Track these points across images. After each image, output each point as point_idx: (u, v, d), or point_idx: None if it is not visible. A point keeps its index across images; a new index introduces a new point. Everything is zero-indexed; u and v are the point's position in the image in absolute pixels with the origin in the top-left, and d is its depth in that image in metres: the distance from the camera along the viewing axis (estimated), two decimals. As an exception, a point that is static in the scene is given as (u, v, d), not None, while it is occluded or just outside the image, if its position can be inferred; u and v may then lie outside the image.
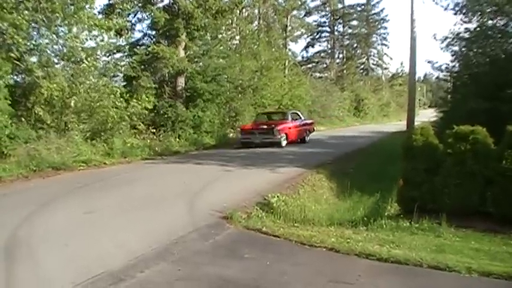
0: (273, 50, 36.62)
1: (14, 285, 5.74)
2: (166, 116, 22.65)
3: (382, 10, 63.21)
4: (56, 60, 16.76)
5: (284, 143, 21.90)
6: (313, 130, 27.25)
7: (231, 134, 26.25)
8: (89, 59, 17.00)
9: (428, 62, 19.93)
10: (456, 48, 18.69)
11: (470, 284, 6.01)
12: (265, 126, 22.28)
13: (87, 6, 15.79)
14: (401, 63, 76.06)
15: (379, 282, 5.95)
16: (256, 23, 38.02)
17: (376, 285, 5.83)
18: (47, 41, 16.02)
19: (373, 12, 62.88)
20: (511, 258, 6.91)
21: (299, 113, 26.59)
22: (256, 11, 38.62)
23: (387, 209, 10.20)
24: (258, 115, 25.98)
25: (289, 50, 46.49)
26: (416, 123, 20.72)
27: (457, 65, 18.93)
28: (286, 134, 22.24)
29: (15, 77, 16.29)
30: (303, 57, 58.89)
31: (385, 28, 64.43)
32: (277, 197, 10.50)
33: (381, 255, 6.69)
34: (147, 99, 20.25)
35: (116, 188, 11.93)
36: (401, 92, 62.22)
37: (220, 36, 29.53)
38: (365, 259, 6.69)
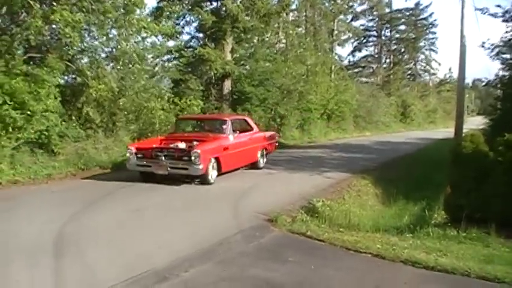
0: (319, 54, 36.47)
1: (61, 281, 5.86)
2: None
3: (430, 15, 61.99)
4: (106, 62, 17.05)
5: (213, 176, 12.77)
6: (274, 148, 17.47)
7: (276, 138, 26.15)
8: (138, 61, 17.25)
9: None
10: (508, 56, 18.31)
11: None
12: (178, 145, 13.03)
13: (137, 10, 16.01)
14: (450, 69, 74.50)
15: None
16: (303, 26, 37.92)
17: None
18: (97, 42, 16.33)
19: (421, 16, 61.85)
20: (563, 272, 6.73)
21: (249, 121, 16.68)
22: (303, 14, 38.54)
23: (434, 216, 10.07)
24: (177, 121, 16.40)
25: (336, 54, 46.31)
26: (464, 131, 20.29)
27: (507, 73, 18.55)
28: (217, 159, 12.93)
29: (65, 77, 16.69)
30: (349, 62, 58.41)
31: (434, 33, 63.29)
32: (322, 201, 10.46)
33: (428, 264, 6.59)
34: (194, 101, 20.43)
35: (162, 188, 12.09)
36: (448, 98, 61.01)
37: (266, 39, 29.60)
38: (411, 267, 6.60)
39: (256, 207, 9.79)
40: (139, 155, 12.75)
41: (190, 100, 20.43)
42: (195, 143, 13.07)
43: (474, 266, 6.41)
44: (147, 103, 17.95)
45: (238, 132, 14.74)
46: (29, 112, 12.57)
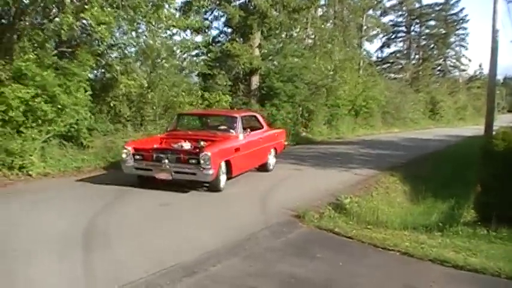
0: (348, 49, 36.28)
1: (91, 272, 5.93)
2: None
3: (461, 10, 61.22)
4: (135, 57, 17.17)
5: (223, 182, 11.14)
6: (283, 147, 15.56)
7: (304, 133, 26.11)
8: (166, 56, 17.34)
9: None
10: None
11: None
12: (183, 146, 11.55)
13: (166, 5, 16.06)
14: (480, 65, 73.55)
15: (454, 290, 5.83)
16: (331, 22, 37.71)
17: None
18: (126, 37, 16.44)
19: (451, 12, 61.13)
20: None
21: (259, 117, 14.79)
22: (332, 9, 38.32)
23: (463, 215, 9.94)
24: (179, 117, 14.01)
25: (364, 49, 46.03)
26: (494, 128, 20.00)
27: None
28: (227, 162, 11.25)
29: (95, 72, 16.87)
30: (378, 58, 58.14)
31: (464, 29, 62.57)
32: (350, 198, 10.43)
33: (457, 263, 6.54)
34: (223, 97, 20.49)
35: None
36: (478, 95, 60.22)
37: (295, 34, 29.52)
38: (439, 265, 6.56)
39: (283, 203, 9.80)
40: (137, 157, 10.96)
41: (218, 95, 20.49)
42: (202, 143, 11.33)
43: (504, 266, 6.33)
44: (176, 98, 18.03)
45: (248, 130, 12.93)
46: (59, 106, 12.71)
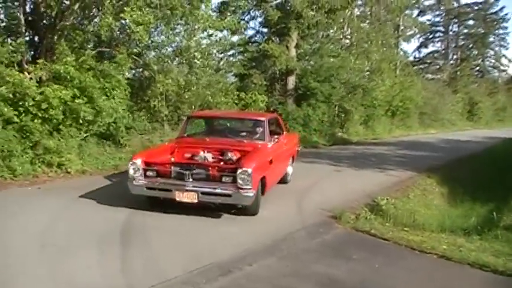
0: (385, 49, 35.94)
1: (128, 268, 6.04)
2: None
3: (501, 9, 59.73)
4: (172, 57, 17.34)
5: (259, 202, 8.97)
6: (297, 154, 13.40)
7: (339, 134, 25.98)
8: (203, 56, 17.46)
9: None
10: None
11: None
12: (207, 157, 9.37)
13: (203, 6, 16.19)
14: (521, 65, 72.11)
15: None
16: (368, 21, 37.41)
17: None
18: (164, 37, 16.62)
19: (491, 11, 59.94)
20: None
21: (280, 121, 12.61)
22: (368, 9, 38.01)
23: (502, 219, 9.77)
24: (189, 120, 11.61)
25: (401, 49, 45.46)
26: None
27: None
28: (263, 178, 8.96)
29: (133, 71, 17.11)
30: (415, 58, 57.36)
31: (505, 28, 61.13)
32: (387, 199, 10.34)
33: (496, 267, 6.44)
34: (259, 96, 20.54)
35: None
36: (518, 95, 59.06)
37: (332, 34, 29.39)
38: (478, 270, 6.46)
39: (319, 203, 9.78)
40: (150, 173, 8.61)
41: (254, 95, 20.54)
42: (230, 154, 9.37)
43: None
44: (213, 98, 18.15)
45: (275, 136, 10.83)
46: (98, 107, 12.91)
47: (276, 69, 23.83)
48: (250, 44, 24.70)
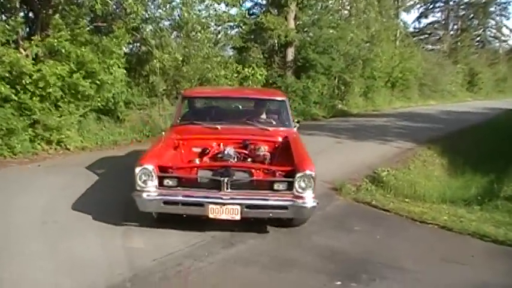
0: (384, 20, 35.65)
1: (130, 246, 6.07)
2: (275, 86, 22.65)
3: (503, -22, 59.48)
4: (169, 31, 17.18)
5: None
6: None
7: (339, 106, 25.89)
8: (201, 29, 17.30)
9: None
10: None
11: None
12: (230, 155, 7.05)
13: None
14: (522, 36, 71.70)
15: (494, 264, 5.76)
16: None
17: (490, 268, 5.64)
18: (161, 11, 16.45)
19: (492, -20, 59.38)
20: None
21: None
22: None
23: (503, 189, 9.77)
24: (185, 100, 9.01)
25: (401, 20, 45.09)
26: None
27: None
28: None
29: (130, 46, 16.95)
30: (415, 28, 56.82)
31: (506, -3, 60.73)
32: (387, 171, 10.35)
33: (497, 237, 6.48)
34: (258, 70, 20.42)
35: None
36: (519, 66, 58.82)
37: (331, 5, 29.10)
38: (479, 240, 6.51)
39: (320, 175, 9.69)
40: (168, 182, 6.32)
41: (253, 68, 20.42)
42: (263, 149, 7.28)
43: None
44: (211, 72, 18.02)
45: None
46: (97, 82, 12.78)
47: (275, 41, 23.62)
48: (248, 16, 24.45)
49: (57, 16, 13.18)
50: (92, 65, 12.49)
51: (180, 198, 6.23)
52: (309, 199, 6.20)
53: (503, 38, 62.82)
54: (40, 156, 11.52)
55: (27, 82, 11.54)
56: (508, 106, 30.09)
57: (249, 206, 6.12)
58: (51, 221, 6.76)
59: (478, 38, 61.34)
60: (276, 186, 6.29)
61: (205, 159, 7.11)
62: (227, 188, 6.17)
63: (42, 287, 4.94)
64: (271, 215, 6.32)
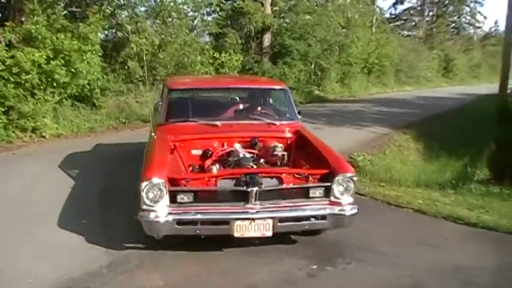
0: (360, 6, 35.71)
1: (109, 232, 6.04)
2: (252, 72, 22.63)
3: (477, -36, 59.88)
4: (145, 16, 17.05)
5: None
6: None
7: (316, 92, 25.93)
8: (177, 15, 17.19)
9: None
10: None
11: None
12: (243, 154, 6.04)
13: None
14: (496, 22, 72.27)
15: (467, 247, 5.86)
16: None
17: (464, 250, 5.74)
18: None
19: (467, -34, 59.74)
20: None
21: None
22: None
23: (476, 173, 9.94)
24: (169, 91, 7.18)
25: (377, 6, 45.24)
26: (509, 87, 19.81)
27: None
28: None
29: (106, 32, 16.80)
30: (391, 14, 57.06)
31: (480, -16, 61.24)
32: (363, 156, 10.44)
33: (470, 220, 6.58)
34: (234, 56, 20.36)
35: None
36: (493, 53, 59.19)
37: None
38: (453, 223, 6.61)
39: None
40: (183, 197, 5.13)
41: (230, 54, 20.36)
42: (279, 148, 6.23)
43: (517, 226, 6.36)
44: (187, 57, 17.93)
45: None
46: (73, 69, 12.65)
47: (252, 27, 23.60)
48: (225, 2, 24.32)
49: (31, 1, 12.97)
50: (69, 52, 12.35)
51: (199, 216, 5.10)
52: (348, 205, 5.38)
53: (477, 24, 63.50)
54: (15, 144, 11.39)
55: (0, 69, 11.36)
56: (483, 91, 30.43)
57: (282, 219, 5.24)
58: (25, 210, 6.73)
59: (453, 25, 61.91)
60: (311, 193, 5.37)
61: (214, 166, 5.81)
62: (255, 200, 5.13)
63: (20, 275, 4.89)
64: (307, 227, 5.46)
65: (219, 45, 22.05)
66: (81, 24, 13.33)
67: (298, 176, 5.63)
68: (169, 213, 5.02)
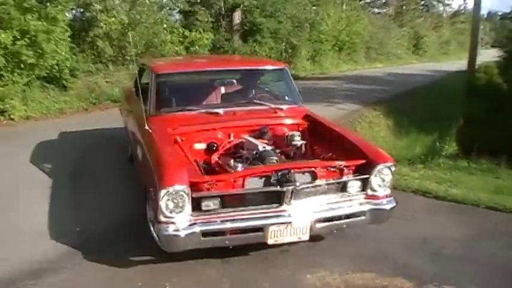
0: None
1: (80, 216, 6.04)
2: (222, 50, 22.53)
3: None
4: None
5: None
6: None
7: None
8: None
9: None
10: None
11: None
12: (260, 148, 5.09)
13: None
14: (464, 0, 73.11)
15: (435, 219, 5.98)
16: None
17: (432, 223, 5.86)
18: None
19: None
20: None
21: None
22: None
23: (445, 148, 10.11)
24: (159, 77, 6.11)
25: (348, -17, 45.27)
26: (478, 63, 20.11)
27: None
28: None
29: (74, 11, 16.54)
30: (361, -8, 57.27)
31: (450, -40, 61.67)
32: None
33: (438, 194, 6.72)
34: (205, 34, 20.22)
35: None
36: (462, 30, 59.95)
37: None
38: (422, 196, 6.74)
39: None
40: (208, 204, 4.33)
41: (200, 33, 20.22)
42: (298, 136, 5.61)
43: (484, 197, 6.51)
44: (157, 36, 17.77)
45: None
46: (40, 50, 12.40)
47: (222, 5, 23.43)
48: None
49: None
50: (36, 33, 12.14)
51: (228, 225, 4.36)
52: (386, 198, 4.89)
53: (446, 1, 64.02)
54: (-19, 128, 11.22)
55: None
56: (452, 68, 30.79)
57: (320, 220, 4.64)
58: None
59: (423, 2, 62.20)
60: (349, 188, 4.78)
61: (239, 164, 4.92)
62: (290, 200, 4.49)
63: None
64: (345, 226, 4.86)
65: (189, 23, 21.86)
66: (48, 4, 13.09)
67: (332, 169, 4.79)
68: (193, 224, 4.27)
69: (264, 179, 4.50)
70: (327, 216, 4.62)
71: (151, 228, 4.61)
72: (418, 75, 28.40)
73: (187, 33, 19.66)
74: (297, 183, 4.43)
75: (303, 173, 4.65)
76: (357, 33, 34.46)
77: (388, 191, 4.88)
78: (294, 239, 4.54)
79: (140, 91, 5.66)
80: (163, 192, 4.10)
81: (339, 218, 4.70)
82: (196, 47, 19.82)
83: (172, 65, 7.62)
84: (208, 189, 4.32)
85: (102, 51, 16.49)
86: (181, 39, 19.19)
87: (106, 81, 15.56)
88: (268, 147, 5.14)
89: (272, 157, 4.92)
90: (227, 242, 4.47)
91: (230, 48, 22.52)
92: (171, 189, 4.10)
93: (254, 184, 4.49)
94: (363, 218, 4.78)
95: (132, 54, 16.37)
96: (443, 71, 31.15)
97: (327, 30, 30.17)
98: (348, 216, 4.73)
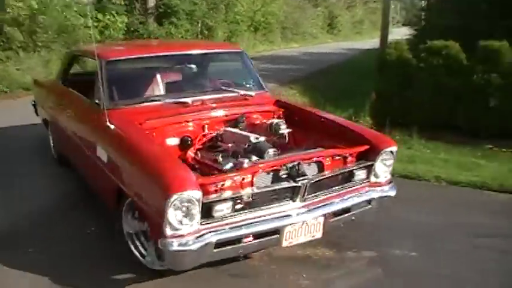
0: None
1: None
2: (137, 33, 22.16)
3: None
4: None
5: None
6: None
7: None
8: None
9: None
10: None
11: (440, 192, 6.33)
12: (252, 139, 4.58)
13: None
14: (375, -21, 74.75)
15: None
16: None
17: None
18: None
19: None
20: (478, 168, 7.25)
21: None
22: None
23: (359, 122, 10.39)
24: (108, 64, 5.29)
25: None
26: (389, 41, 20.69)
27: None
28: None
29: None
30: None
31: None
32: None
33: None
34: (118, 17, 19.81)
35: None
36: (374, 9, 61.19)
37: None
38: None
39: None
40: (221, 209, 3.75)
41: (113, 16, 19.79)
42: (283, 124, 5.11)
43: (398, 167, 6.69)
44: (69, 21, 17.22)
45: None
46: None
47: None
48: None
49: None
50: None
51: (243, 231, 3.84)
52: (389, 185, 4.75)
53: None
54: None
55: None
56: (365, 46, 31.55)
57: (333, 214, 4.37)
58: None
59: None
60: (356, 176, 4.55)
61: (246, 160, 4.27)
62: (303, 195, 4.13)
63: None
64: (353, 218, 4.61)
65: (102, 6, 21.31)
66: None
67: (337, 158, 4.53)
68: (204, 234, 3.68)
69: (271, 174, 4.09)
70: (340, 208, 4.36)
71: (131, 246, 4.26)
72: (332, 53, 28.95)
73: (100, 16, 19.18)
74: (310, 176, 4.14)
75: (309, 164, 4.30)
76: (272, 14, 34.65)
77: (389, 176, 4.77)
78: (308, 238, 4.23)
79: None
80: (171, 200, 3.47)
81: (349, 209, 4.47)
82: (111, 30, 19.40)
83: (121, 51, 6.45)
84: (216, 191, 3.76)
85: (11, 37, 15.80)
86: (95, 23, 18.70)
87: (17, 69, 14.96)
88: (262, 138, 4.63)
89: (269, 149, 4.47)
90: (241, 251, 4.03)
91: (145, 32, 22.23)
92: (183, 196, 3.49)
93: (262, 180, 4.04)
94: (369, 206, 4.61)
95: (43, 39, 15.89)
96: (356, 49, 31.90)
97: (242, 11, 30.23)
98: (356, 207, 4.53)
